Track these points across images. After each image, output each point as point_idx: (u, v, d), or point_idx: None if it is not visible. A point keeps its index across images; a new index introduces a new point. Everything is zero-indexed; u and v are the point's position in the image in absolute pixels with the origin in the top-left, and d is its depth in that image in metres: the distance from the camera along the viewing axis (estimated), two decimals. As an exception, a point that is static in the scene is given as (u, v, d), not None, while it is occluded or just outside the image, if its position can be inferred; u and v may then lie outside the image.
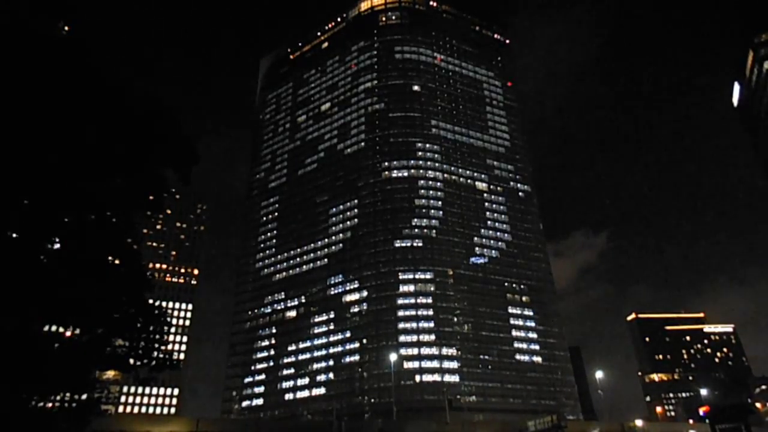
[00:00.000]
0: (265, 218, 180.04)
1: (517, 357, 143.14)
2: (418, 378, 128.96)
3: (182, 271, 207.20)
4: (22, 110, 16.17)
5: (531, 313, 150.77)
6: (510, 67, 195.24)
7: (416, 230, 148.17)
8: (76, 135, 17.11)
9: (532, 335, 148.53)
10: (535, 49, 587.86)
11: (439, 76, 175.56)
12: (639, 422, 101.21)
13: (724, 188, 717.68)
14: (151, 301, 20.27)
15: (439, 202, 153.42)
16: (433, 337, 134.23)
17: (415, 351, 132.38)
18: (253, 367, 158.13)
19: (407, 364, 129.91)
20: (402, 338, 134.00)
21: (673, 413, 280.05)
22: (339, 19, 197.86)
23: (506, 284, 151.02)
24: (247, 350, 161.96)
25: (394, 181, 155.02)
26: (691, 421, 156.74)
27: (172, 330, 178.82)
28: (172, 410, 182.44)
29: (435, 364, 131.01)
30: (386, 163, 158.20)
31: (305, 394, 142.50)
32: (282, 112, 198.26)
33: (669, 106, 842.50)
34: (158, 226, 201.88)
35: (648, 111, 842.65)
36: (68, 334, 19.23)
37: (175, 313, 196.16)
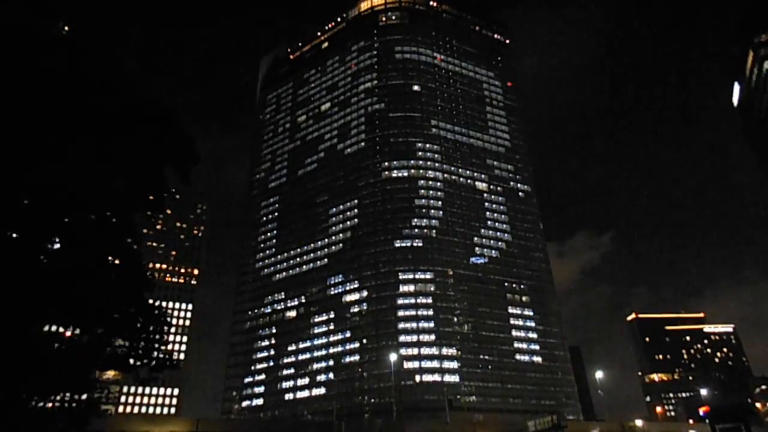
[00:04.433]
0: (265, 218, 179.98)
1: (517, 357, 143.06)
2: (418, 378, 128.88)
3: (182, 271, 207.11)
4: (21, 110, 16.16)
5: (531, 313, 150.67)
6: (510, 67, 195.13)
7: (416, 230, 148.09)
8: (76, 135, 17.11)
9: (532, 335, 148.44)
10: (535, 49, 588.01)
11: (439, 76, 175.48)
12: (639, 422, 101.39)
13: (724, 188, 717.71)
14: (151, 301, 20.26)
15: (439, 202, 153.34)
16: (433, 337, 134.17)
17: (415, 351, 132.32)
18: (253, 367, 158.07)
19: (407, 364, 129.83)
20: (402, 338, 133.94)
21: (673, 413, 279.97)
22: (339, 19, 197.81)
23: (506, 284, 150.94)
24: (247, 350, 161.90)
25: (394, 181, 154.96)
26: (691, 421, 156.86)
27: (172, 330, 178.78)
28: (172, 410, 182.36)
29: (435, 364, 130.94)
30: (386, 163, 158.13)
31: (305, 394, 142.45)
32: (282, 112, 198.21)
33: (669, 106, 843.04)
34: (158, 226, 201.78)
35: (648, 111, 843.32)
36: (68, 334, 19.22)
37: (175, 313, 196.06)
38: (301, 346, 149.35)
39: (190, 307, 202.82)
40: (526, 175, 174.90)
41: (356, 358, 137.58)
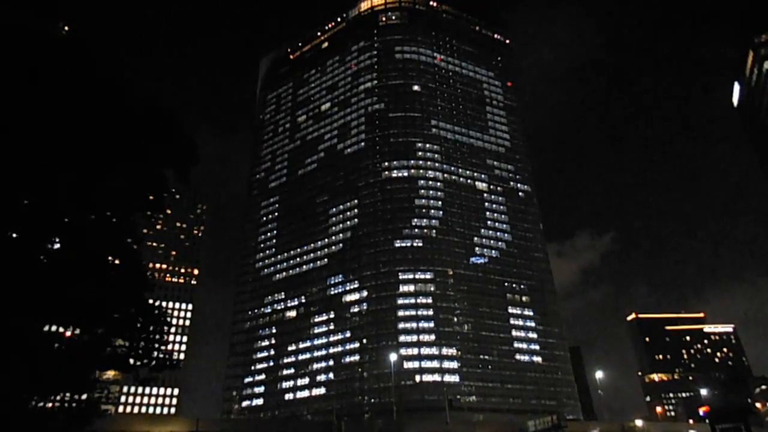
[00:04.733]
0: (265, 218, 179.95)
1: (517, 357, 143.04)
2: (418, 378, 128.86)
3: (182, 271, 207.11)
4: (22, 110, 16.16)
5: (531, 313, 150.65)
6: (510, 67, 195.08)
7: (416, 230, 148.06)
8: (76, 135, 17.11)
9: (532, 335, 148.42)
10: (535, 48, 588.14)
11: (439, 76, 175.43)
12: (639, 422, 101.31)
13: (725, 188, 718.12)
14: (151, 301, 20.26)
15: (439, 202, 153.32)
16: (433, 337, 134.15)
17: (415, 351, 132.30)
18: (253, 367, 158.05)
19: (407, 364, 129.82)
20: (402, 338, 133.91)
21: (673, 413, 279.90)
22: (339, 19, 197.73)
23: (506, 284, 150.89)
24: (247, 350, 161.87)
25: (394, 181, 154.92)
26: (691, 421, 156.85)
27: (172, 330, 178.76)
28: (172, 410, 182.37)
29: (435, 364, 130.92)
30: (386, 163, 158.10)
31: (305, 394, 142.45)
32: (282, 112, 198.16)
33: (669, 106, 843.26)
34: (158, 226, 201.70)
35: (648, 111, 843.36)
36: (68, 334, 19.22)
37: (175, 313, 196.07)
38: (301, 346, 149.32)
39: (190, 307, 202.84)
40: (526, 175, 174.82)
41: (356, 358, 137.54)
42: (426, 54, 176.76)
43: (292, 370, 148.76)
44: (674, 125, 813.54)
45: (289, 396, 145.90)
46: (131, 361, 19.29)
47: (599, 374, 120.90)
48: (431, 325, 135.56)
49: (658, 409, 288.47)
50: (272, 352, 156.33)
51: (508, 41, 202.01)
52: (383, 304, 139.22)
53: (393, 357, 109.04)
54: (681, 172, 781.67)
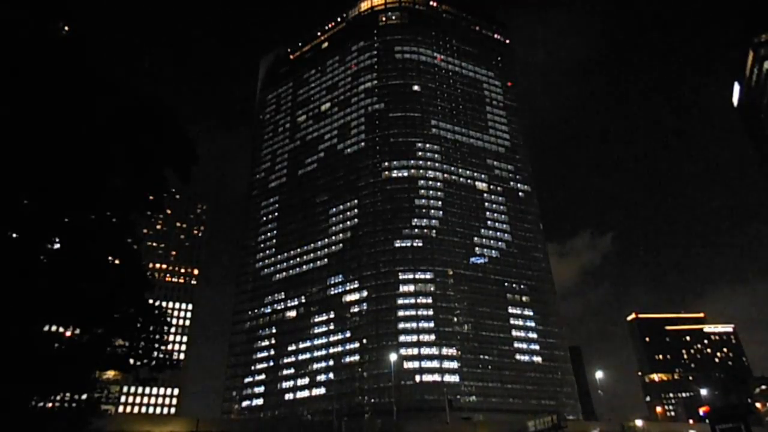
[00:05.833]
0: (265, 218, 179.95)
1: (517, 357, 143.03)
2: (418, 378, 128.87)
3: (182, 271, 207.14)
4: (22, 110, 16.16)
5: (531, 313, 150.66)
6: (510, 67, 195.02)
7: (416, 230, 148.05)
8: (75, 135, 17.10)
9: (532, 335, 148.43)
10: (535, 49, 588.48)
11: (439, 76, 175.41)
12: (639, 422, 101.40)
13: (724, 188, 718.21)
14: (151, 301, 20.26)
15: (439, 202, 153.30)
16: (433, 337, 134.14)
17: (415, 351, 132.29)
18: (253, 367, 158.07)
19: (407, 364, 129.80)
20: (402, 338, 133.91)
21: (673, 413, 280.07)
22: (339, 19, 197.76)
23: (506, 284, 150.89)
24: (247, 350, 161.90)
25: (394, 181, 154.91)
26: (691, 421, 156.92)
27: (172, 330, 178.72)
28: (172, 410, 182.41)
29: (435, 364, 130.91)
30: (386, 163, 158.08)
31: (305, 394, 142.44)
32: (282, 112, 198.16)
33: (669, 106, 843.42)
34: (158, 226, 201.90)
35: (648, 111, 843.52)
36: (68, 334, 19.22)
37: (175, 313, 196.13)
38: (301, 346, 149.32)
39: (190, 307, 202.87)
40: (526, 175, 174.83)
41: (356, 358, 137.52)
42: (426, 54, 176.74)
43: (292, 370, 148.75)
44: (674, 125, 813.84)
45: (289, 396, 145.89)
46: (131, 361, 19.30)
47: (599, 374, 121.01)
48: (431, 325, 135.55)
49: (658, 409, 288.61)
50: (272, 352, 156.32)
51: (508, 41, 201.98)
52: (383, 304, 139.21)
53: (393, 357, 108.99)
54: (681, 172, 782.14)
